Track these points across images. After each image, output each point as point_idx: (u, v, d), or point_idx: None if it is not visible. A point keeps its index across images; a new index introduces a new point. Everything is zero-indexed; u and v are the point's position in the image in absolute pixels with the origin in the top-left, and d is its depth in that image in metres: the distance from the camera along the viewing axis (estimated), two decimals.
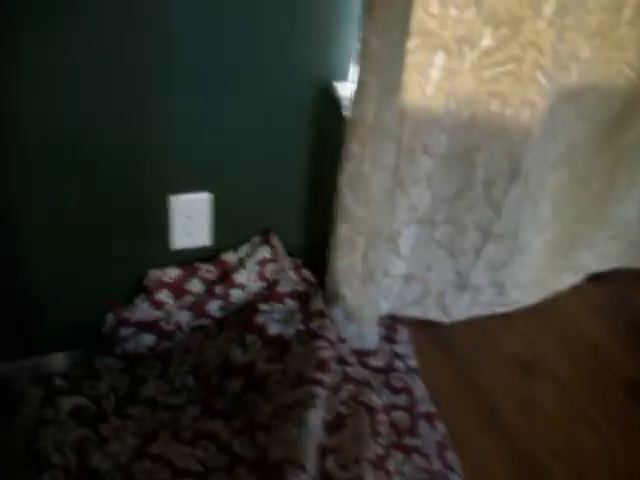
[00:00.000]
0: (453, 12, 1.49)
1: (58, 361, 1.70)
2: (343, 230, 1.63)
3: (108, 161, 1.49)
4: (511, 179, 1.75)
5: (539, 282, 2.09)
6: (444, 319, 1.97)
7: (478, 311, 2.00)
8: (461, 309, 1.97)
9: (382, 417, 1.57)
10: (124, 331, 1.65)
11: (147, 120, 1.47)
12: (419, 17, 1.47)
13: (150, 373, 1.64)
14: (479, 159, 1.71)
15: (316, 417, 1.43)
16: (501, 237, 1.85)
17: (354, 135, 1.51)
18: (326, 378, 1.52)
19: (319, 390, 1.48)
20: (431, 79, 1.57)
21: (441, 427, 1.68)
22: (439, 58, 1.55)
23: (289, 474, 1.31)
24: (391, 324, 1.92)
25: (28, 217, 1.50)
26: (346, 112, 1.55)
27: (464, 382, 1.84)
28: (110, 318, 1.66)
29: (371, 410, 1.56)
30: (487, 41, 1.56)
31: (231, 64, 1.48)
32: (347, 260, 1.67)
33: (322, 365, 1.53)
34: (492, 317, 2.04)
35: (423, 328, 1.97)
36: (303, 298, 1.71)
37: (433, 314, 1.96)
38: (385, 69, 1.43)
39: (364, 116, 1.48)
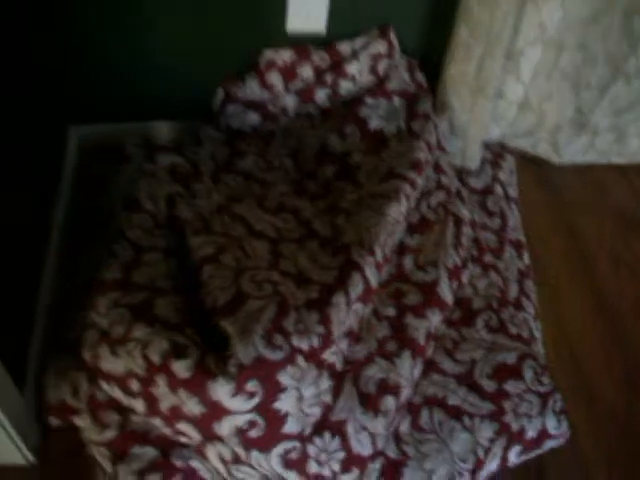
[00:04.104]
0: None
1: (166, 129, 1.76)
2: (461, 33, 1.55)
3: None
4: None
5: None
6: (554, 158, 1.88)
7: (593, 158, 1.90)
8: (575, 151, 1.86)
9: (467, 230, 1.55)
10: (231, 108, 1.68)
11: None
12: None
13: (250, 149, 1.67)
14: None
15: (397, 211, 1.43)
16: (632, 76, 1.70)
17: None
18: (418, 179, 1.51)
19: (407, 187, 1.47)
20: None
21: (526, 257, 1.64)
22: None
23: (355, 254, 1.33)
24: (499, 151, 1.85)
25: None
26: None
27: (562, 223, 1.77)
28: (219, 94, 1.69)
29: (458, 221, 1.54)
30: None
31: None
32: (461, 67, 1.59)
33: (416, 165, 1.51)
34: (606, 167, 1.93)
35: (531, 165, 1.89)
36: (411, 99, 1.66)
37: (543, 150, 1.88)
38: None
39: None
